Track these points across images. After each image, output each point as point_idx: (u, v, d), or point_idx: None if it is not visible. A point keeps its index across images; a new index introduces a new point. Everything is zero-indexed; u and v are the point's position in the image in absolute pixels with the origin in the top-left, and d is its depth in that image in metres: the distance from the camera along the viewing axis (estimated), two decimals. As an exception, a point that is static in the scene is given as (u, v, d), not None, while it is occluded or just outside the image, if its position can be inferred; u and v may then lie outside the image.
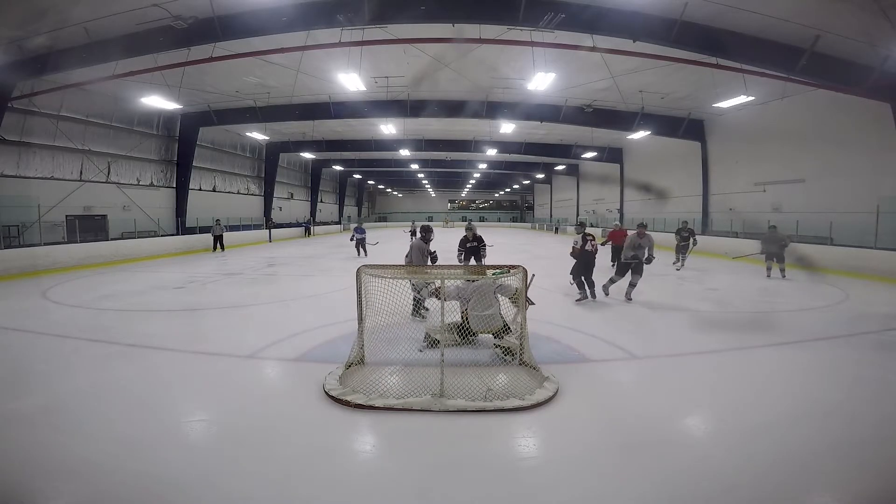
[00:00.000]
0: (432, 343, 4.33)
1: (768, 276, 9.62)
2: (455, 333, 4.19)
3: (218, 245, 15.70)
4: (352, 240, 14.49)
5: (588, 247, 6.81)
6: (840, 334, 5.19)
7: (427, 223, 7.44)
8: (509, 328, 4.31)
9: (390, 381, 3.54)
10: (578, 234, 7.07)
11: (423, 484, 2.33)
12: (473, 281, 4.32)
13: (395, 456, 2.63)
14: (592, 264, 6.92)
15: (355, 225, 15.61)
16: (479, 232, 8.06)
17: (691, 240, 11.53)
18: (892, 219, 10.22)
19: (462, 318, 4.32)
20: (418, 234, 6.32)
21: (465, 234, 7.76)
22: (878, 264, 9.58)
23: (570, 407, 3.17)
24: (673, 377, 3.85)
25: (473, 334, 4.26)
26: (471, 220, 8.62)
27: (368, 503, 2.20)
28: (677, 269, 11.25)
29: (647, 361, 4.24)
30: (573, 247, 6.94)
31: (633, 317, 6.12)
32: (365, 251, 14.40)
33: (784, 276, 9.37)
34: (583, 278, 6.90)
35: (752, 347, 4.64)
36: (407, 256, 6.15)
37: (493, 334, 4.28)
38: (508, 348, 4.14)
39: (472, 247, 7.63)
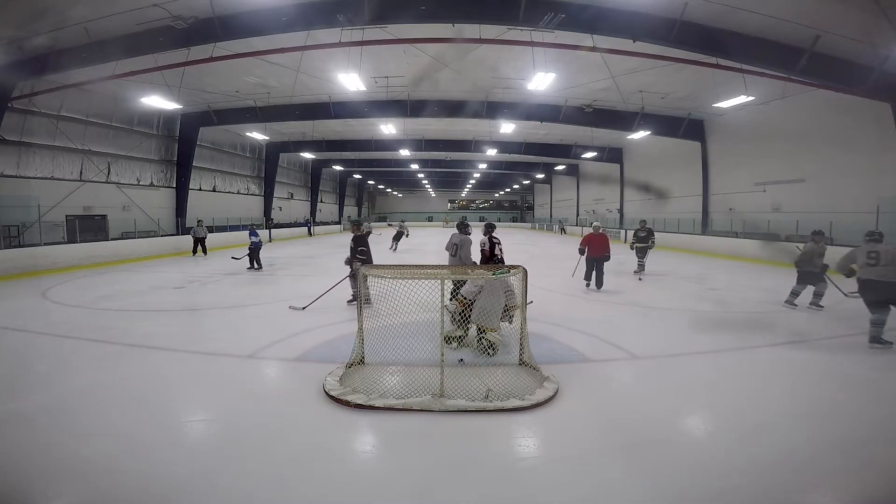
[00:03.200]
0: (455, 339, 4.45)
1: (792, 303, 6.60)
2: (456, 322, 4.37)
3: (199, 248, 14.16)
4: (250, 248, 10.93)
5: (497, 252, 5.71)
6: (840, 334, 5.19)
7: (466, 222, 6.43)
8: (493, 328, 4.38)
9: (390, 381, 3.55)
10: (486, 234, 5.88)
11: (423, 484, 2.33)
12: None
13: (395, 456, 2.63)
14: None
15: (249, 226, 11.69)
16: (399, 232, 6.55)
17: (651, 241, 10.06)
18: (892, 219, 10.21)
19: (463, 308, 4.43)
20: (461, 232, 6.06)
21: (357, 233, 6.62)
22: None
23: (570, 407, 3.17)
24: (673, 377, 3.86)
25: (467, 325, 4.39)
26: (363, 221, 6.92)
27: (368, 503, 2.20)
28: (639, 279, 9.43)
29: (647, 361, 4.24)
30: (481, 250, 5.78)
31: (633, 317, 6.12)
32: (259, 263, 10.84)
33: (819, 305, 6.51)
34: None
35: (752, 347, 4.64)
36: (455, 255, 5.90)
37: (478, 328, 4.37)
38: (492, 343, 4.23)
39: (352, 248, 6.48)
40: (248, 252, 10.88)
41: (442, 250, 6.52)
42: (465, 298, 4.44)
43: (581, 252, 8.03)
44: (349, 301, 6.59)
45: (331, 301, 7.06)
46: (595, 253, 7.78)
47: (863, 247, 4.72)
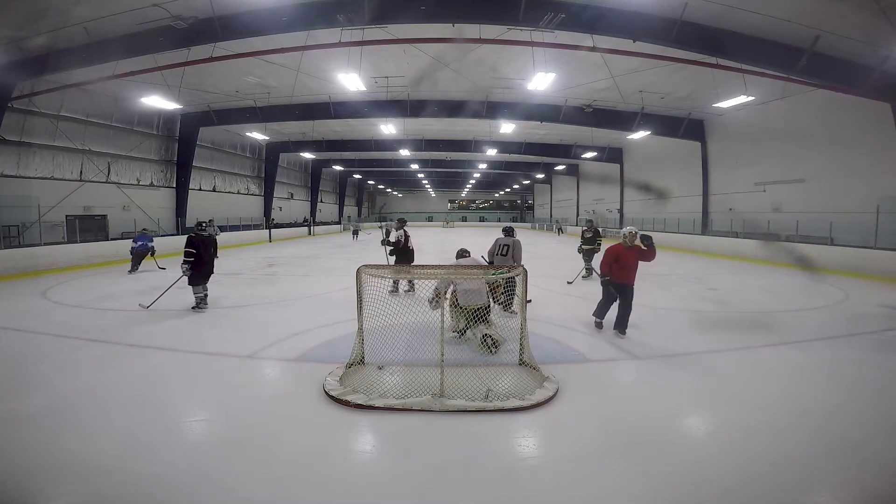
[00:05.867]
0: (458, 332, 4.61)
1: None
2: (456, 314, 4.49)
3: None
4: (132, 253, 10.43)
5: (411, 245, 6.07)
6: (840, 334, 5.19)
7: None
8: (489, 312, 4.44)
9: (390, 381, 3.55)
10: (398, 229, 6.33)
11: (423, 484, 2.33)
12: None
13: (395, 456, 2.63)
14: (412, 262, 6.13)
15: (140, 232, 11.17)
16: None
17: (597, 242, 9.17)
18: (892, 219, 10.22)
19: (452, 298, 4.56)
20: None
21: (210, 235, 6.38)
22: (878, 264, 9.57)
23: (570, 407, 3.17)
24: (673, 377, 3.85)
25: (466, 318, 4.46)
26: (210, 222, 6.22)
27: (368, 503, 2.20)
28: (583, 277, 8.86)
29: (647, 361, 4.24)
30: (397, 241, 6.21)
31: (633, 317, 6.10)
32: (136, 266, 10.28)
33: None
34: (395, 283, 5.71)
35: (752, 347, 4.64)
36: (506, 255, 6.09)
37: (477, 315, 4.39)
38: (496, 340, 4.26)
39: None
40: (133, 258, 10.50)
41: (442, 250, 6.57)
42: (437, 292, 4.49)
43: (603, 278, 5.09)
44: (193, 307, 6.22)
45: (330, 300, 7.07)
46: (623, 276, 4.91)
47: None
